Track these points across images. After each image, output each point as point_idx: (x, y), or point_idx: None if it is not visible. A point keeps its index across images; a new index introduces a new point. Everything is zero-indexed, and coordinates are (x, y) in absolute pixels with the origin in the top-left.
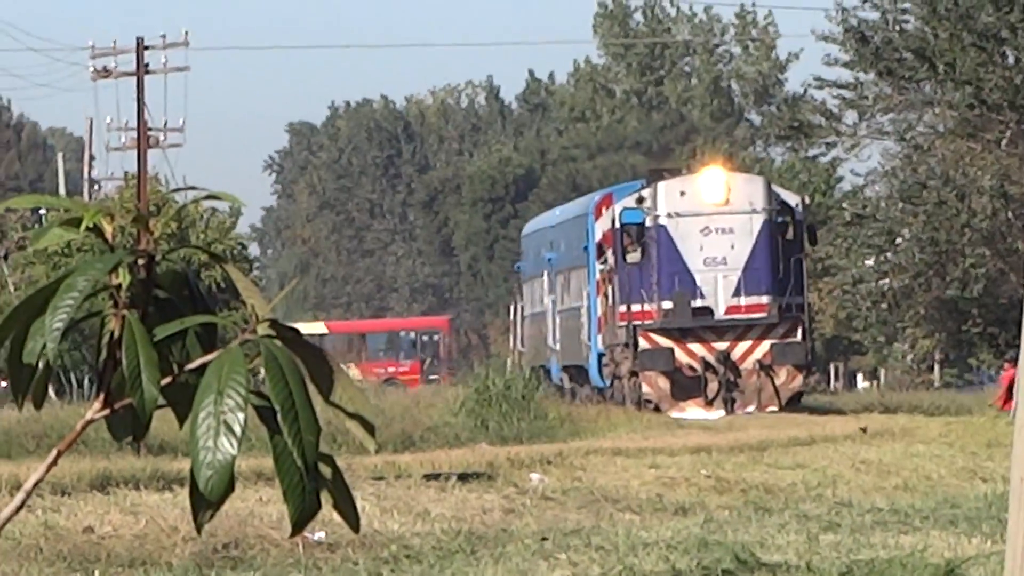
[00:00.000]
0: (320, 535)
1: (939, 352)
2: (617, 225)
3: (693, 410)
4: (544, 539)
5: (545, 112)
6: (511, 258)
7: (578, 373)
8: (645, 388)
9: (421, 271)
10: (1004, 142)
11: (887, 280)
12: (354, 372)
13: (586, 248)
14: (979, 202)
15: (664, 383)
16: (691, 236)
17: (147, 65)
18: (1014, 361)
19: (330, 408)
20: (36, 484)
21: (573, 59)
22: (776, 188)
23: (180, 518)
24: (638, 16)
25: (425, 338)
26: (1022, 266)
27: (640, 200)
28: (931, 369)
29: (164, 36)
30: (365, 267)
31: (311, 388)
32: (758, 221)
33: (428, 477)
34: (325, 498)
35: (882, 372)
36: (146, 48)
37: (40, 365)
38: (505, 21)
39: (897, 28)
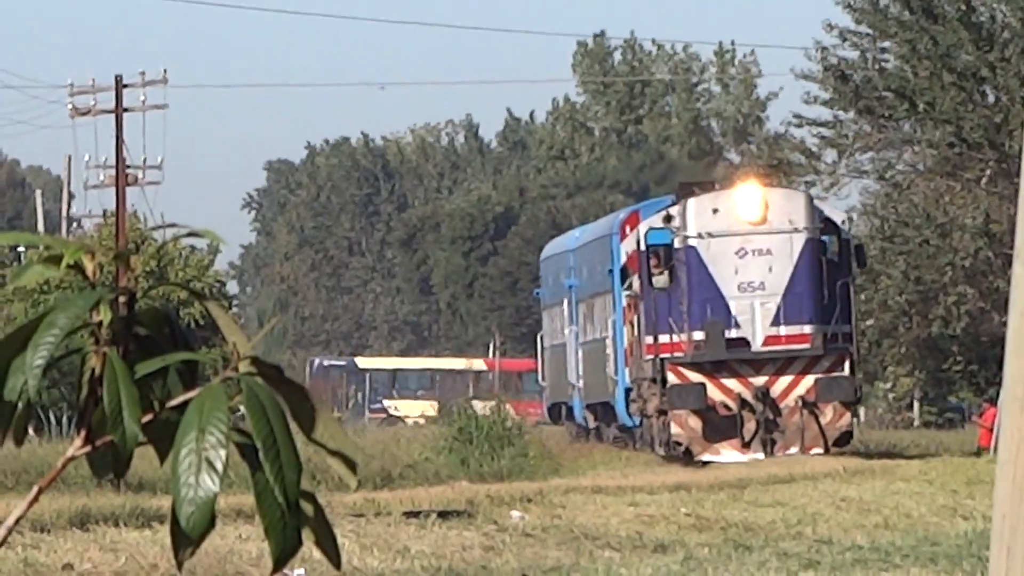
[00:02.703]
0: (300, 572)
1: (918, 390)
2: (642, 247)
3: (728, 453)
4: None
5: (524, 150)
6: (490, 296)
7: (604, 411)
8: (674, 428)
9: (400, 309)
10: (984, 180)
11: (870, 320)
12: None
13: (611, 272)
14: (961, 241)
15: (695, 423)
16: (725, 258)
17: (125, 104)
18: (993, 401)
19: (310, 445)
20: (17, 521)
21: (552, 97)
22: (819, 204)
23: (160, 555)
24: (617, 55)
25: None
26: (1004, 304)
27: (668, 219)
28: (910, 407)
29: (143, 74)
30: (344, 305)
31: (292, 425)
32: (799, 241)
33: (408, 514)
34: (306, 535)
35: (862, 410)
36: (125, 86)
37: (20, 402)
38: (484, 60)
39: (877, 67)
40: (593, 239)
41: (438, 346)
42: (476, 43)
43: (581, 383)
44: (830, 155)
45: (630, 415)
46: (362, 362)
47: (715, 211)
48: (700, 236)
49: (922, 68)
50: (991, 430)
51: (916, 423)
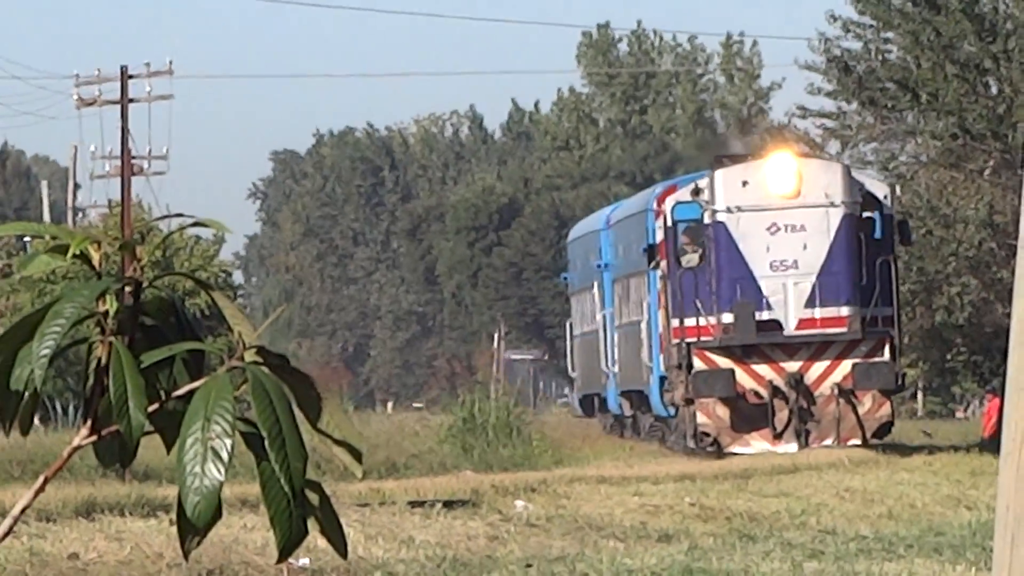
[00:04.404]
0: (305, 561)
1: (922, 380)
2: (669, 222)
3: (758, 444)
4: (528, 566)
5: (529, 141)
6: (495, 286)
7: (639, 399)
8: (701, 418)
9: (405, 299)
10: (987, 171)
11: None
12: None
13: (645, 251)
14: (965, 231)
15: (723, 412)
16: (755, 235)
17: (131, 94)
18: (995, 391)
19: (316, 434)
20: (23, 511)
21: (557, 88)
22: (859, 176)
23: (165, 544)
24: (622, 46)
25: None
26: (1007, 295)
27: (697, 192)
28: (914, 397)
29: (148, 65)
30: (349, 295)
31: (298, 414)
32: (836, 216)
33: (413, 504)
34: (311, 524)
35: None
36: (130, 77)
37: (27, 392)
38: (489, 50)
39: (880, 58)
40: (627, 216)
41: (442, 336)
42: (481, 34)
43: (616, 368)
44: (833, 146)
45: (664, 405)
46: None
47: (745, 184)
48: (729, 211)
49: (925, 59)
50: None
51: (920, 413)
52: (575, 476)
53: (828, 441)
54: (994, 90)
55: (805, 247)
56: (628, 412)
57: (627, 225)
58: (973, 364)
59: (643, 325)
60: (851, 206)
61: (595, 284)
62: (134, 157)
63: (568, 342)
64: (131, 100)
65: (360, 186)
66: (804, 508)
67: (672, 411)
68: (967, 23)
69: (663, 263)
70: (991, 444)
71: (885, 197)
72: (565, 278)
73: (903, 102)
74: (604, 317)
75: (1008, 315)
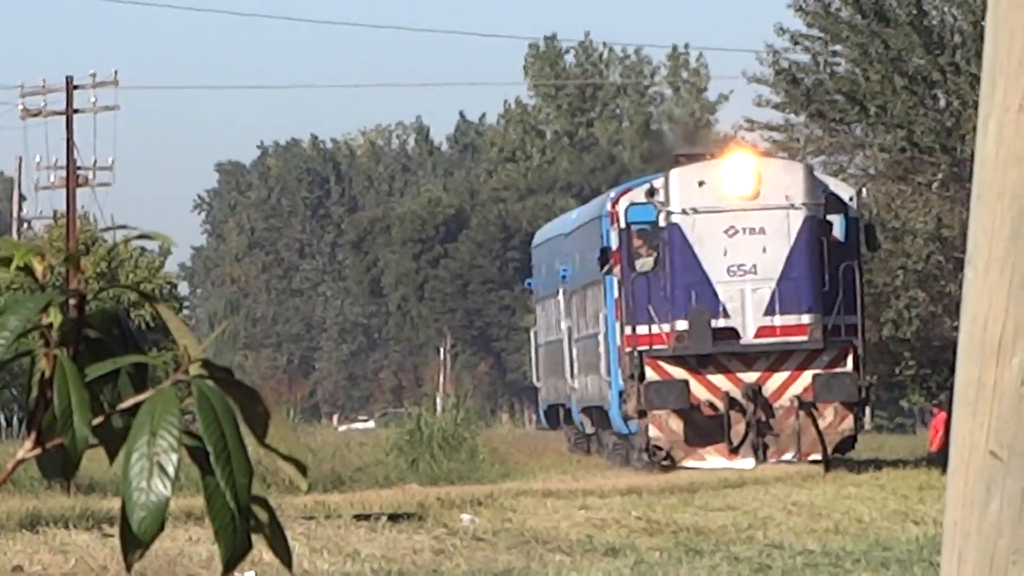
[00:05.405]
0: (250, 574)
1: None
2: (623, 224)
3: (714, 459)
4: None
5: (475, 153)
6: (441, 298)
7: (600, 416)
8: (653, 432)
9: (350, 311)
10: (936, 184)
11: None
12: None
13: (599, 257)
14: (913, 245)
15: (677, 425)
16: (712, 238)
17: (76, 105)
18: (942, 405)
19: (261, 447)
20: None
21: (504, 100)
22: (822, 176)
23: (109, 557)
24: (569, 57)
25: None
26: (955, 309)
27: (651, 192)
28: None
29: (94, 75)
30: (294, 307)
31: (243, 428)
32: (797, 219)
33: (358, 517)
34: (256, 538)
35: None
36: (76, 87)
37: None
38: (435, 61)
39: (828, 71)
40: (584, 222)
41: (388, 348)
42: (427, 45)
43: (577, 384)
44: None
45: (625, 421)
46: None
47: (701, 184)
48: (684, 212)
49: (873, 72)
50: (940, 432)
51: (867, 427)
52: (521, 490)
53: (788, 456)
54: (942, 103)
55: (764, 251)
56: (590, 429)
57: (583, 233)
58: (921, 378)
59: (600, 338)
60: (813, 208)
61: (560, 291)
62: (79, 168)
63: (533, 351)
64: (76, 111)
65: (306, 198)
66: (751, 522)
67: (633, 427)
68: (915, 36)
69: (616, 268)
70: (938, 458)
71: (851, 199)
72: (529, 284)
73: (851, 115)
74: (567, 327)
75: (956, 329)
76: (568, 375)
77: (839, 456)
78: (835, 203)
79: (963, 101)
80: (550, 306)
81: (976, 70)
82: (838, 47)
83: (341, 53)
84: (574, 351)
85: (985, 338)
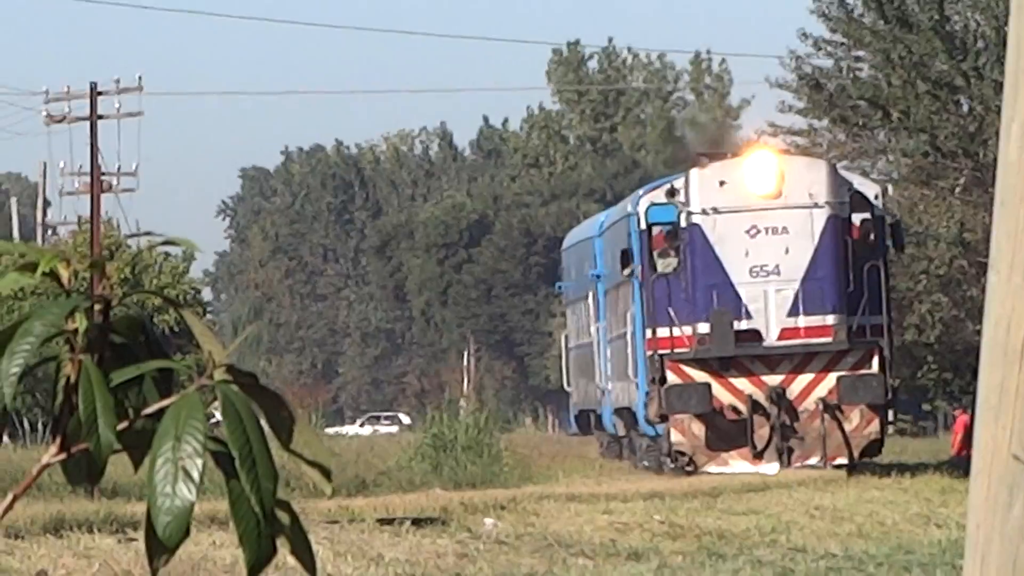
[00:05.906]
0: None
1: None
2: (643, 225)
3: (737, 463)
4: None
5: (499, 158)
6: (464, 303)
7: (630, 417)
8: (675, 436)
9: (374, 316)
10: (958, 189)
11: None
12: None
13: (621, 257)
14: (936, 249)
15: (699, 429)
16: (733, 238)
17: (100, 111)
18: (966, 408)
19: (285, 452)
20: None
21: (527, 105)
22: (847, 175)
23: (134, 561)
24: (592, 63)
25: None
26: (978, 313)
27: (672, 192)
28: None
29: (118, 81)
30: (318, 312)
31: (267, 432)
32: (821, 218)
33: (382, 521)
34: (281, 543)
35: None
36: (100, 93)
37: None
38: (459, 67)
39: (851, 76)
40: (614, 222)
41: (412, 353)
42: (451, 51)
43: (609, 385)
44: None
45: (651, 423)
46: None
47: (722, 183)
48: (705, 212)
49: (896, 77)
50: (964, 436)
51: (890, 431)
52: (544, 494)
53: (813, 460)
54: (965, 108)
55: (787, 251)
56: (622, 432)
57: (613, 232)
58: (943, 382)
59: (628, 338)
60: (837, 207)
61: (589, 294)
62: (103, 174)
63: (563, 355)
64: (100, 117)
65: (329, 203)
66: (774, 526)
67: (660, 430)
68: (938, 41)
69: (638, 269)
70: (961, 462)
71: (876, 197)
72: (560, 287)
73: (874, 120)
74: (598, 329)
75: (979, 333)
76: (599, 378)
77: (865, 460)
78: (860, 201)
79: (986, 106)
80: (580, 309)
81: (999, 75)
82: (861, 52)
83: (365, 59)
84: (606, 352)
85: (1008, 342)
